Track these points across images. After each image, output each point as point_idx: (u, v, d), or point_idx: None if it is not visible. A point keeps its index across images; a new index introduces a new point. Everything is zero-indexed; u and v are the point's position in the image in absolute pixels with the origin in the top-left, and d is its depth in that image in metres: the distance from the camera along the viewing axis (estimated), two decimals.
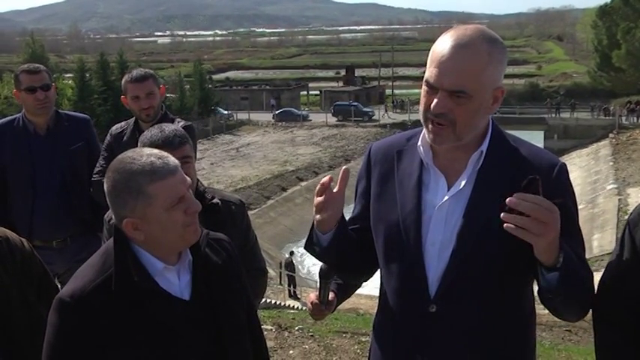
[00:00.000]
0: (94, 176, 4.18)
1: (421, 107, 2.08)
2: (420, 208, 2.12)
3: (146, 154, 1.94)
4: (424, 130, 2.14)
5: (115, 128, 4.39)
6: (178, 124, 4.20)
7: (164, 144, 2.64)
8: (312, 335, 7.90)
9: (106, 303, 1.90)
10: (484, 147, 2.09)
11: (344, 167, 2.12)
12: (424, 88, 2.06)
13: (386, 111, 61.63)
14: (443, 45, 2.01)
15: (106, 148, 4.30)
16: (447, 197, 2.10)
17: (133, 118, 4.32)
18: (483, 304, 2.07)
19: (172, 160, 1.97)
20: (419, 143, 2.17)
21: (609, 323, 2.08)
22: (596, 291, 2.08)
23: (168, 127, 2.78)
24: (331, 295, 2.41)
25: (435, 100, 2.00)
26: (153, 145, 2.63)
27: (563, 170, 2.11)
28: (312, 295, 2.43)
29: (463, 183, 2.09)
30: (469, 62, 1.98)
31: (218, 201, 2.93)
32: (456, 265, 2.06)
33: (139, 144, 2.74)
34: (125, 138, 4.23)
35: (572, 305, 2.06)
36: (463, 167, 2.11)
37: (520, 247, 2.03)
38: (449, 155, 2.13)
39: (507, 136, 2.17)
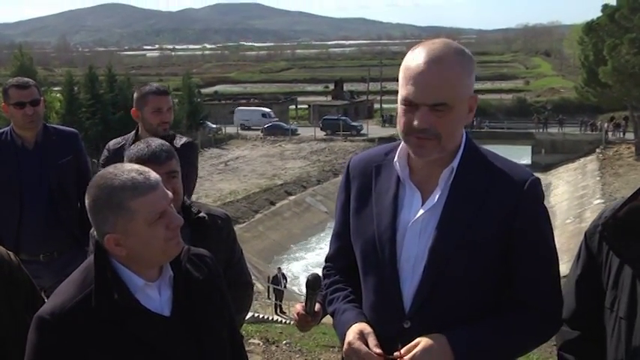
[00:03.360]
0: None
1: (401, 126, 2.09)
2: (395, 225, 2.14)
3: (127, 170, 1.94)
4: (401, 145, 2.18)
5: (113, 143, 4.37)
6: (180, 141, 4.21)
7: (150, 159, 2.65)
8: (299, 349, 7.89)
9: (85, 320, 1.89)
10: (455, 163, 2.12)
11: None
12: (401, 106, 2.08)
13: None
14: (416, 62, 2.04)
15: (103, 164, 4.26)
16: (420, 213, 2.12)
17: (132, 133, 4.31)
18: (458, 320, 2.07)
19: (153, 175, 1.97)
20: (395, 159, 2.19)
21: (570, 326, 2.18)
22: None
23: (155, 142, 2.78)
24: (317, 306, 2.41)
25: (418, 117, 2.02)
26: (139, 160, 2.63)
27: (536, 184, 2.13)
28: (299, 306, 2.44)
29: (436, 198, 2.11)
30: (446, 75, 2.01)
31: (204, 215, 2.93)
32: (429, 281, 2.07)
33: (125, 158, 2.74)
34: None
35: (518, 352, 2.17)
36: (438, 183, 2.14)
37: (494, 261, 2.08)
38: (425, 171, 2.15)
39: (482, 150, 2.19)
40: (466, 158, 2.13)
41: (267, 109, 67.95)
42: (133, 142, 4.19)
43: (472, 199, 2.07)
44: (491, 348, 2.05)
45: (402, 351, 1.99)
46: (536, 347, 2.23)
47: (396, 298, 2.12)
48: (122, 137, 4.41)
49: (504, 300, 2.14)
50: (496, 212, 2.07)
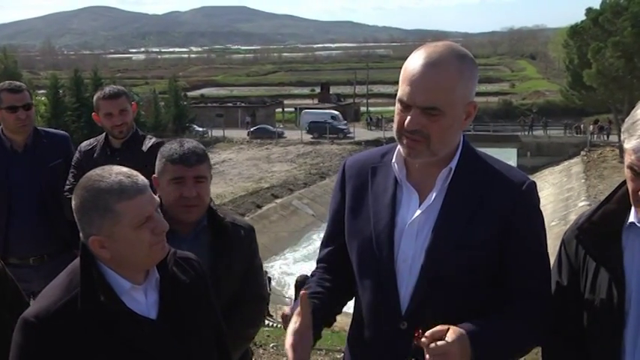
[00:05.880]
0: (65, 193, 4.15)
1: (395, 125, 2.11)
2: (392, 225, 2.14)
3: (115, 173, 1.94)
4: (398, 146, 2.17)
5: (85, 145, 4.38)
6: (150, 141, 4.22)
7: (179, 160, 2.63)
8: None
9: (71, 323, 1.89)
10: (453, 164, 2.13)
11: (302, 292, 2.09)
12: (397, 106, 2.10)
13: None
14: (414, 63, 2.05)
15: (75, 165, 4.28)
16: (417, 213, 2.12)
17: (103, 135, 4.33)
18: (454, 321, 2.03)
19: (141, 179, 1.97)
20: (393, 160, 2.20)
21: (555, 333, 2.16)
22: None
23: (189, 143, 2.74)
24: None
25: (409, 118, 2.04)
26: (169, 159, 2.63)
27: (532, 189, 2.14)
28: (287, 309, 2.44)
29: (432, 199, 2.12)
30: (440, 80, 2.01)
31: (228, 223, 2.88)
32: (426, 281, 2.07)
33: (158, 156, 2.73)
34: (95, 155, 4.23)
35: (518, 352, 2.14)
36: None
37: (490, 263, 2.08)
38: (422, 172, 2.15)
39: (479, 153, 2.20)
40: (463, 160, 2.14)
41: (336, 112, 65.96)
42: (104, 144, 4.24)
43: (469, 201, 2.08)
44: (503, 346, 2.02)
45: (427, 334, 1.88)
46: (540, 341, 2.19)
47: (392, 298, 2.11)
48: (94, 138, 4.43)
49: (500, 301, 2.12)
50: (492, 214, 2.07)
